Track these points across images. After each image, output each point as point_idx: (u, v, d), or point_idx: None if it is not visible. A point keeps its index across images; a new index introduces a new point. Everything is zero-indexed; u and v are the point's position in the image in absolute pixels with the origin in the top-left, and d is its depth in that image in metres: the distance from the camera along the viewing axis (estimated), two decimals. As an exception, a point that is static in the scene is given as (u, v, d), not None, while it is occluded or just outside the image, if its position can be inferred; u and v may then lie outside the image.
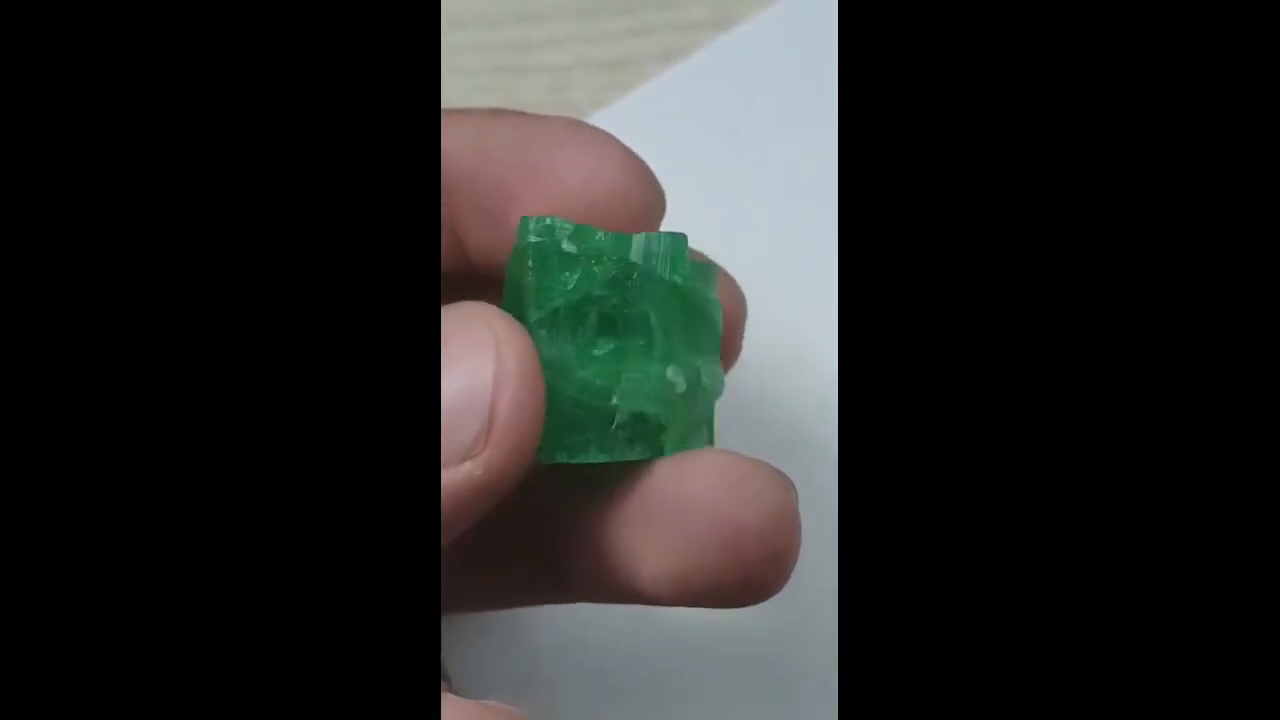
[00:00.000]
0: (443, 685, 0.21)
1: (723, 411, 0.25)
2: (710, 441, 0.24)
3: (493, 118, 0.24)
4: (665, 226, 0.24)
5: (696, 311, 0.24)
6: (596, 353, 0.22)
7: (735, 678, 0.30)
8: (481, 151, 0.24)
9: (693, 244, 0.23)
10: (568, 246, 0.22)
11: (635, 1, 0.34)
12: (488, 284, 0.24)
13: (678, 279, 0.23)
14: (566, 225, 0.22)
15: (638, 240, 0.23)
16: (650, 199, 0.24)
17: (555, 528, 0.24)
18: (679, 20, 0.34)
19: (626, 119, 0.32)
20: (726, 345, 0.25)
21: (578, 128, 0.24)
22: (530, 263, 0.22)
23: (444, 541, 0.21)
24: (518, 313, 0.22)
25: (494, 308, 0.22)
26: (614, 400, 0.22)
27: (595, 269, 0.22)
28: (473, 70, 0.34)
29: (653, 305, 0.23)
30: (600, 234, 0.23)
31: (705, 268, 0.24)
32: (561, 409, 0.22)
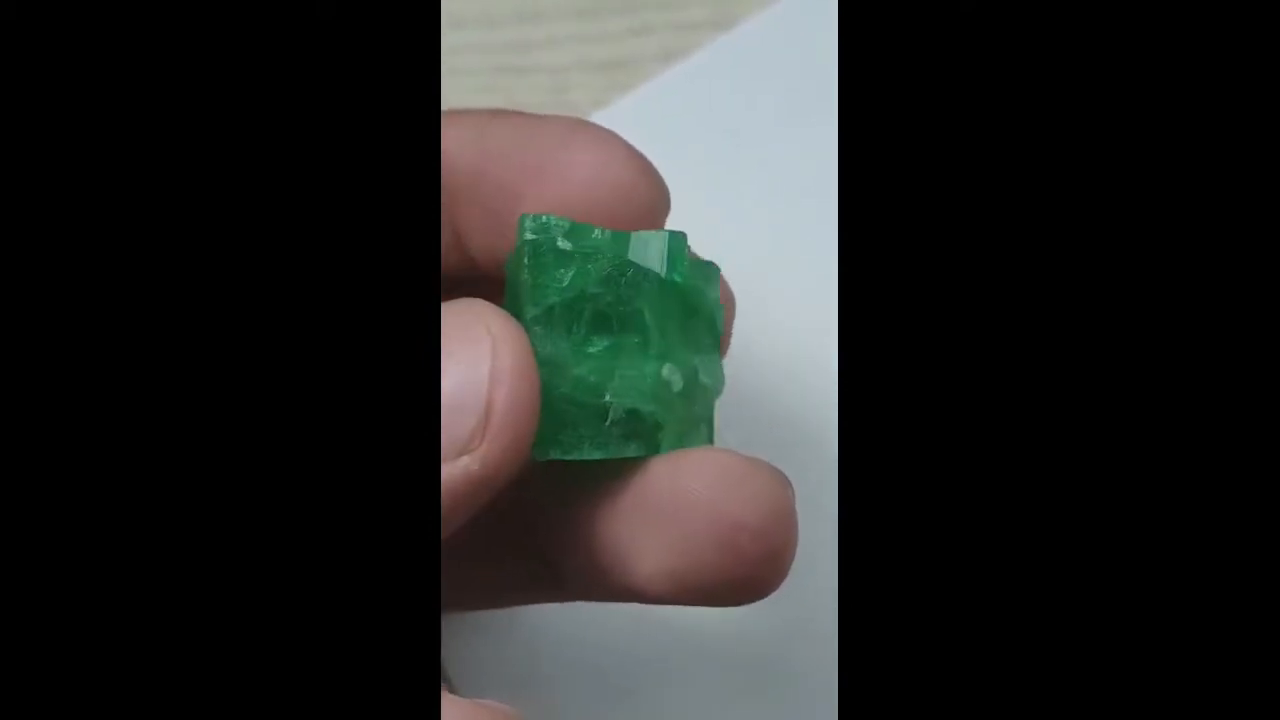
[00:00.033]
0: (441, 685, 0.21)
1: (722, 410, 0.25)
2: (709, 440, 0.24)
3: (493, 118, 0.24)
4: (665, 226, 0.24)
5: (695, 310, 0.24)
6: (591, 350, 0.22)
7: (735, 677, 0.30)
8: (482, 151, 0.24)
9: (693, 244, 0.23)
10: (563, 244, 0.22)
11: (635, 1, 0.34)
12: (491, 285, 0.24)
13: (676, 277, 0.23)
14: (563, 223, 0.22)
15: (636, 238, 0.23)
16: (655, 196, 0.24)
17: (550, 525, 0.24)
18: (679, 20, 0.34)
19: (626, 119, 0.32)
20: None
21: (581, 126, 0.24)
22: (526, 260, 0.22)
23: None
24: (516, 310, 0.22)
25: (490, 304, 0.22)
26: (607, 397, 0.22)
27: (590, 266, 0.22)
28: (473, 70, 0.34)
29: (648, 303, 0.23)
30: (598, 232, 0.23)
31: (706, 266, 0.24)
32: (556, 405, 0.22)
